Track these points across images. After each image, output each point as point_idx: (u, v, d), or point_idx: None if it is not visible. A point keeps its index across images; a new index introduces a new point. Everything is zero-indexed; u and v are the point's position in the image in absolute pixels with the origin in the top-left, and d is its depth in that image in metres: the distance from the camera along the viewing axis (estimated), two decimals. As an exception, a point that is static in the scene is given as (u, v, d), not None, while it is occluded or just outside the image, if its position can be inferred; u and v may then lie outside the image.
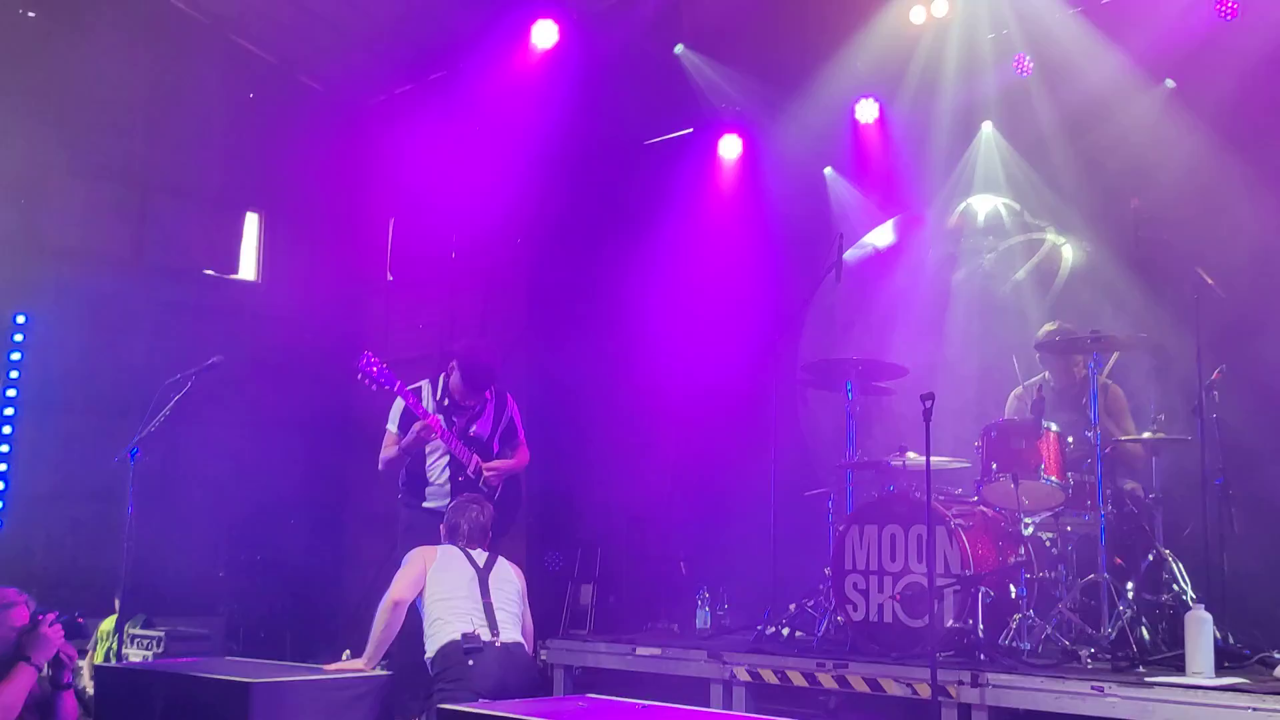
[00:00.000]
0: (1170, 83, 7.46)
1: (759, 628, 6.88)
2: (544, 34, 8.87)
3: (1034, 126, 8.07)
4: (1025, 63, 7.98)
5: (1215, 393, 6.04)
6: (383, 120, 10.79)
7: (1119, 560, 6.12)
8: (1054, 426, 6.18)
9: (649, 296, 9.10)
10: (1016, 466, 6.07)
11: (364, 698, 5.06)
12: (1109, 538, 5.98)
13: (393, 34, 10.12)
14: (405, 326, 10.57)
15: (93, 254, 9.79)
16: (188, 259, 10.45)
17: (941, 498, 6.26)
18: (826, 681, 5.88)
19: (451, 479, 6.74)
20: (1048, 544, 6.29)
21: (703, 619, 7.53)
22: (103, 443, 7.83)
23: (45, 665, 5.20)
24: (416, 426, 6.57)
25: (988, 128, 8.46)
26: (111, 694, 5.40)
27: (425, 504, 6.77)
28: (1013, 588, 6.01)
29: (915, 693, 5.49)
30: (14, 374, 9.17)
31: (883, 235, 9.02)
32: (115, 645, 6.89)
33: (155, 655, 7.50)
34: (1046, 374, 7.03)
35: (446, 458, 6.75)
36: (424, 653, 5.53)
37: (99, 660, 7.22)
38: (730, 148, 9.38)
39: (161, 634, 7.61)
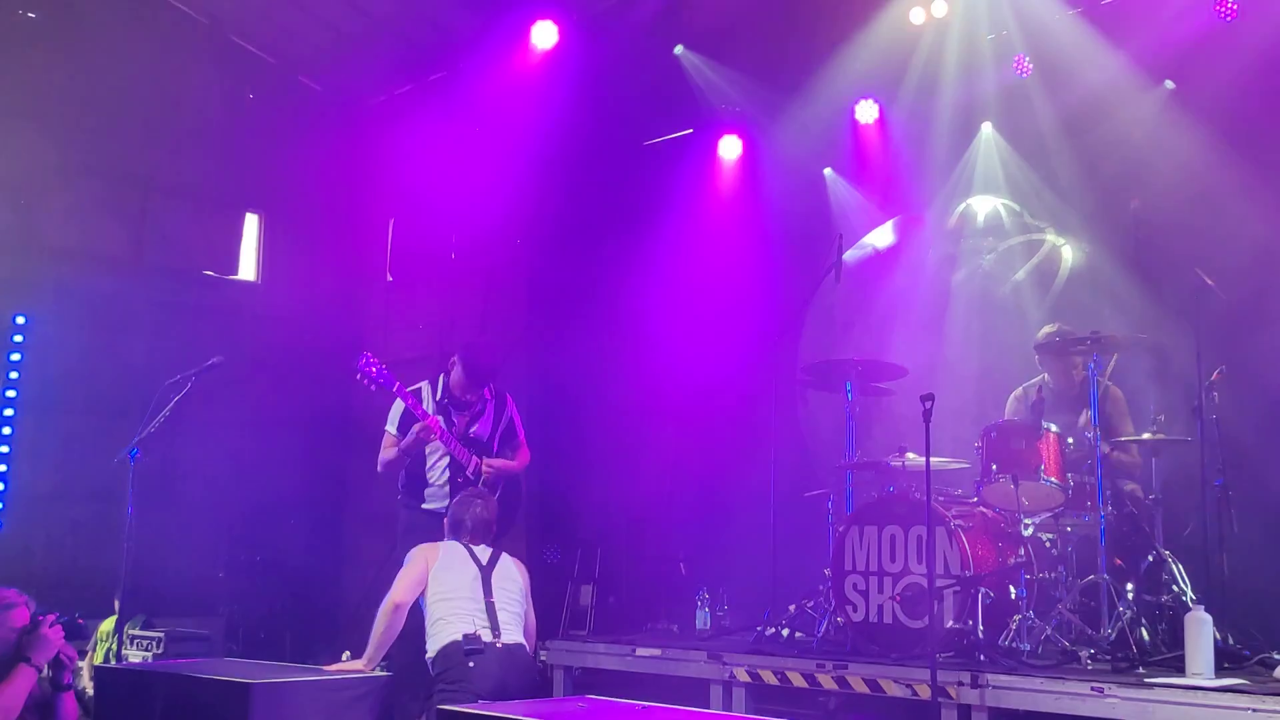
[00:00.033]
0: (1170, 84, 7.46)
1: (759, 628, 6.89)
2: (544, 35, 8.88)
3: (1034, 127, 8.07)
4: (1025, 63, 7.99)
5: (1215, 393, 6.04)
6: (382, 121, 10.79)
7: (1119, 561, 6.12)
8: (1054, 427, 6.19)
9: (649, 297, 9.10)
10: (1016, 467, 6.07)
11: (364, 698, 5.04)
12: (1109, 538, 5.98)
13: (392, 35, 10.12)
14: (405, 327, 10.57)
15: (92, 255, 9.79)
16: (187, 259, 10.45)
17: (941, 498, 6.26)
18: (826, 682, 5.88)
19: (451, 480, 6.74)
20: (1047, 545, 6.30)
21: (702, 620, 7.53)
22: (102, 443, 7.82)
23: (45, 666, 5.21)
24: (416, 428, 6.57)
25: (987, 128, 8.47)
26: (111, 695, 5.38)
27: (425, 505, 6.77)
28: (1012, 589, 6.01)
29: (915, 694, 5.49)
30: (14, 375, 9.17)
31: (882, 236, 9.02)
32: (115, 646, 6.88)
33: (155, 656, 7.49)
34: (1045, 375, 7.03)
35: (447, 459, 6.75)
36: (424, 653, 5.53)
37: (99, 661, 7.21)
38: (730, 148, 9.39)
39: (161, 635, 7.59)
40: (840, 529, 6.53)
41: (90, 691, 6.38)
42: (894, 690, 5.60)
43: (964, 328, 8.39)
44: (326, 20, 10.15)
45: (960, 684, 5.36)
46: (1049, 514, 6.25)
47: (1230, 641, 5.66)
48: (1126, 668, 5.43)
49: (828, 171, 9.17)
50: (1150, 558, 6.08)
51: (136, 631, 7.69)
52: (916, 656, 5.70)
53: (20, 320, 9.24)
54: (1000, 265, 8.50)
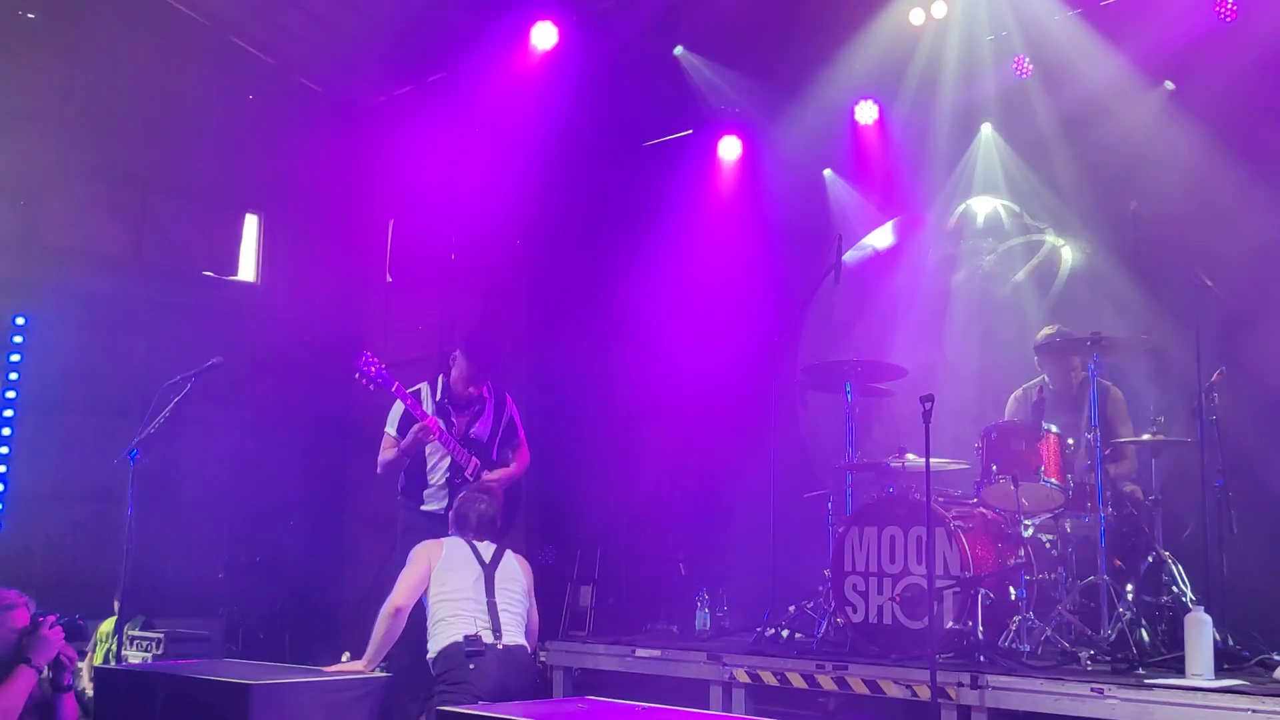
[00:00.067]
0: (1169, 84, 7.47)
1: (758, 629, 6.88)
2: (543, 35, 8.89)
3: (1033, 128, 8.08)
4: (1024, 64, 8.00)
5: (1215, 394, 6.04)
6: (382, 121, 10.79)
7: (1118, 562, 6.12)
8: (1054, 428, 6.19)
9: (649, 298, 9.10)
10: (1016, 468, 6.08)
11: (364, 699, 5.05)
12: (1108, 539, 5.98)
13: (392, 35, 10.12)
14: (404, 327, 10.57)
15: (92, 255, 9.79)
16: (187, 260, 10.45)
17: (941, 499, 6.26)
18: (826, 683, 5.88)
19: (449, 481, 6.73)
20: (1047, 546, 6.30)
21: (702, 620, 7.53)
22: (102, 444, 7.84)
23: (45, 667, 5.20)
24: (415, 428, 6.57)
25: (987, 129, 8.47)
26: (111, 696, 5.39)
27: (424, 506, 6.77)
28: (1012, 589, 6.01)
29: (915, 694, 5.49)
30: (13, 375, 9.17)
31: (882, 237, 9.02)
32: (115, 647, 6.88)
33: (154, 657, 7.49)
34: (1045, 376, 7.04)
35: (447, 460, 6.75)
36: (423, 653, 5.53)
37: (98, 662, 7.21)
38: (730, 149, 9.40)
39: (161, 635, 7.60)
40: (840, 530, 6.53)
41: (90, 692, 6.38)
42: (893, 691, 5.60)
43: (964, 328, 8.40)
44: (326, 21, 10.15)
45: (960, 685, 5.36)
46: (1049, 515, 6.25)
47: (1230, 642, 5.65)
48: (1126, 669, 5.43)
49: (827, 172, 9.17)
50: (1150, 559, 6.08)
51: (136, 632, 7.69)
52: (916, 657, 5.70)
53: (20, 321, 9.24)
54: (1000, 266, 8.50)
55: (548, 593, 8.43)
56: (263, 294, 10.88)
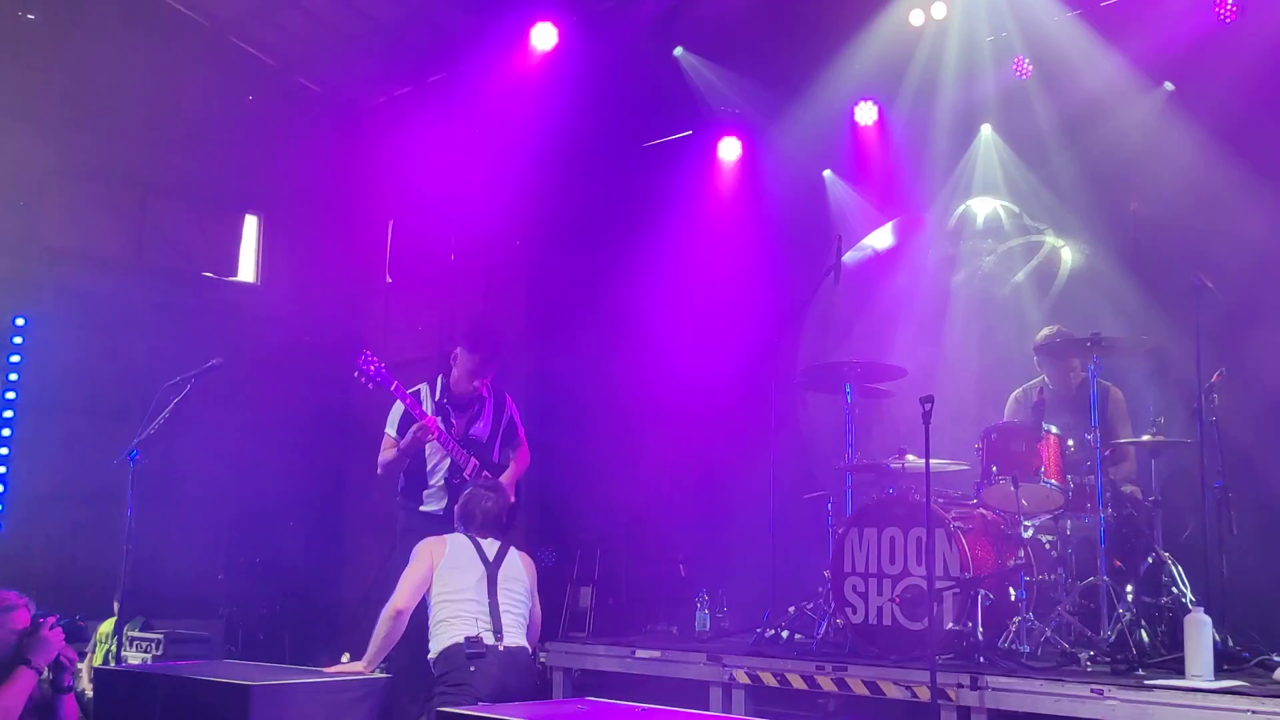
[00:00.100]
0: (1169, 85, 7.47)
1: (758, 630, 6.88)
2: (543, 36, 8.89)
3: (1033, 129, 8.08)
4: (1024, 65, 8.00)
5: (1215, 395, 6.03)
6: (382, 122, 10.79)
7: (1118, 563, 6.12)
8: (1054, 429, 6.19)
9: (648, 298, 9.11)
10: (1016, 469, 6.07)
11: (364, 700, 5.05)
12: (1108, 540, 5.98)
13: (392, 36, 10.12)
14: (404, 328, 10.57)
15: (92, 256, 9.80)
16: (187, 261, 10.46)
17: (941, 500, 6.26)
18: (826, 684, 5.88)
19: (448, 481, 6.73)
20: (1047, 546, 6.30)
21: (702, 621, 7.52)
22: (102, 444, 7.84)
23: (46, 669, 5.20)
24: (414, 427, 6.55)
25: (987, 130, 8.48)
26: (111, 697, 5.39)
27: (423, 507, 6.76)
28: (1012, 590, 6.01)
29: (915, 695, 5.49)
30: (13, 376, 9.18)
31: (882, 237, 9.02)
32: (114, 648, 6.88)
33: (154, 658, 7.48)
34: (1044, 376, 7.04)
35: (446, 461, 6.74)
36: (423, 653, 5.52)
37: (98, 663, 7.21)
38: (729, 150, 9.40)
39: (160, 636, 7.59)
40: (840, 531, 6.53)
41: (90, 693, 6.38)
42: (893, 692, 5.60)
43: (963, 329, 8.40)
44: (326, 22, 10.16)
45: (960, 686, 5.36)
46: (1049, 516, 6.25)
47: (1230, 643, 5.65)
48: (1126, 670, 5.43)
49: (827, 173, 9.17)
50: (1150, 559, 6.08)
51: (136, 633, 7.68)
52: (916, 658, 5.70)
53: (20, 321, 9.25)
54: (1000, 267, 8.50)
55: (547, 593, 8.39)
56: (262, 294, 10.89)
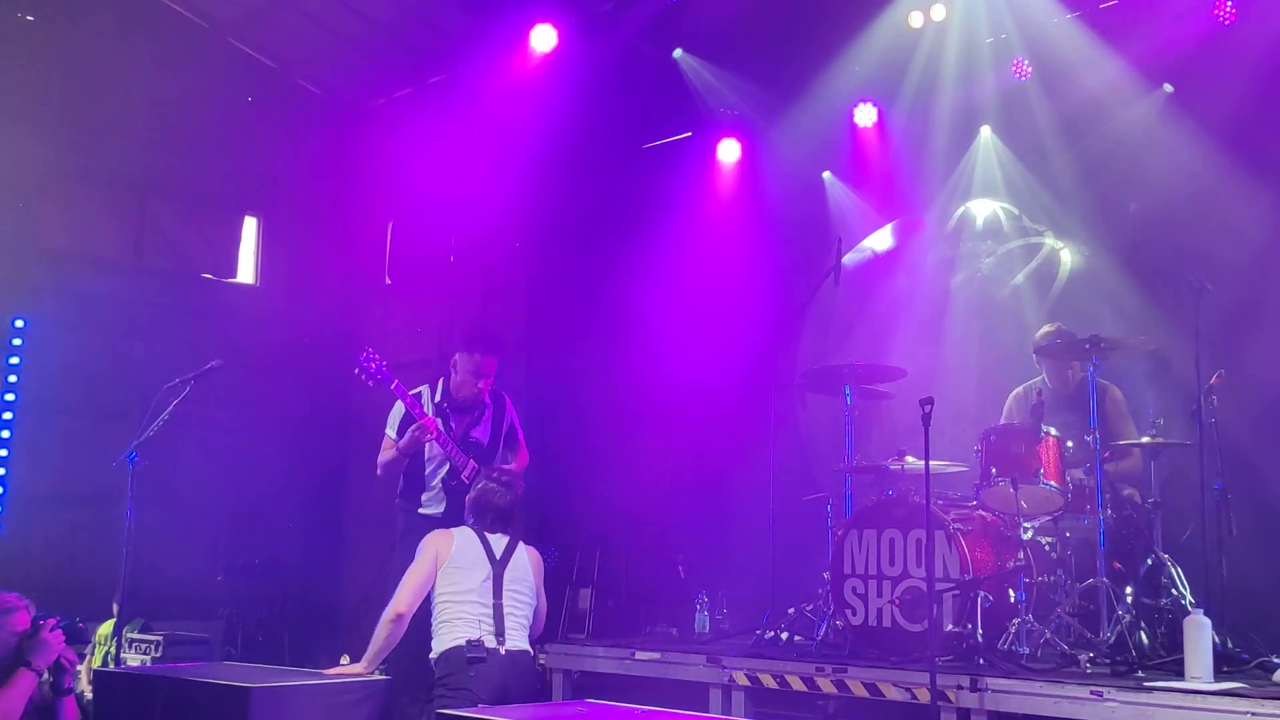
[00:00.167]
0: (1168, 87, 7.47)
1: (758, 632, 6.87)
2: (542, 38, 8.89)
3: (1032, 131, 8.08)
4: (1023, 67, 8.01)
5: (1214, 397, 6.04)
6: (381, 124, 10.79)
7: (1118, 565, 6.12)
8: (1053, 431, 6.19)
9: (648, 300, 9.11)
10: (1016, 471, 6.07)
11: (363, 702, 5.06)
12: (1108, 542, 5.98)
13: (391, 37, 10.13)
14: (404, 330, 10.58)
15: (91, 257, 9.81)
16: (186, 262, 10.46)
17: (940, 502, 6.25)
18: (825, 686, 5.88)
19: (446, 484, 6.73)
20: (1047, 548, 6.29)
21: (701, 623, 7.52)
22: (101, 446, 7.85)
23: (46, 671, 5.20)
24: (413, 427, 6.55)
25: (986, 132, 8.47)
26: (110, 699, 5.39)
27: (421, 509, 6.76)
28: (1011, 592, 6.01)
29: (914, 697, 5.49)
30: (13, 377, 9.18)
31: (881, 239, 9.02)
32: (113, 649, 6.88)
33: (154, 659, 7.48)
34: (1044, 376, 7.04)
35: (447, 464, 6.74)
36: (422, 655, 5.50)
37: (97, 664, 7.21)
38: (729, 151, 9.39)
39: (160, 638, 7.59)
40: (839, 532, 6.53)
41: (89, 695, 6.37)
42: (893, 694, 5.60)
43: (963, 331, 8.40)
44: (325, 23, 10.16)
45: (959, 687, 5.36)
46: (1048, 517, 6.25)
47: (1229, 645, 5.65)
48: (1125, 671, 5.43)
49: (826, 175, 9.17)
50: (1149, 561, 6.08)
51: (135, 635, 7.69)
52: (916, 660, 5.69)
53: (19, 323, 9.25)
54: (999, 268, 8.50)
55: (547, 595, 8.43)
56: (262, 296, 10.89)
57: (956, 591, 5.88)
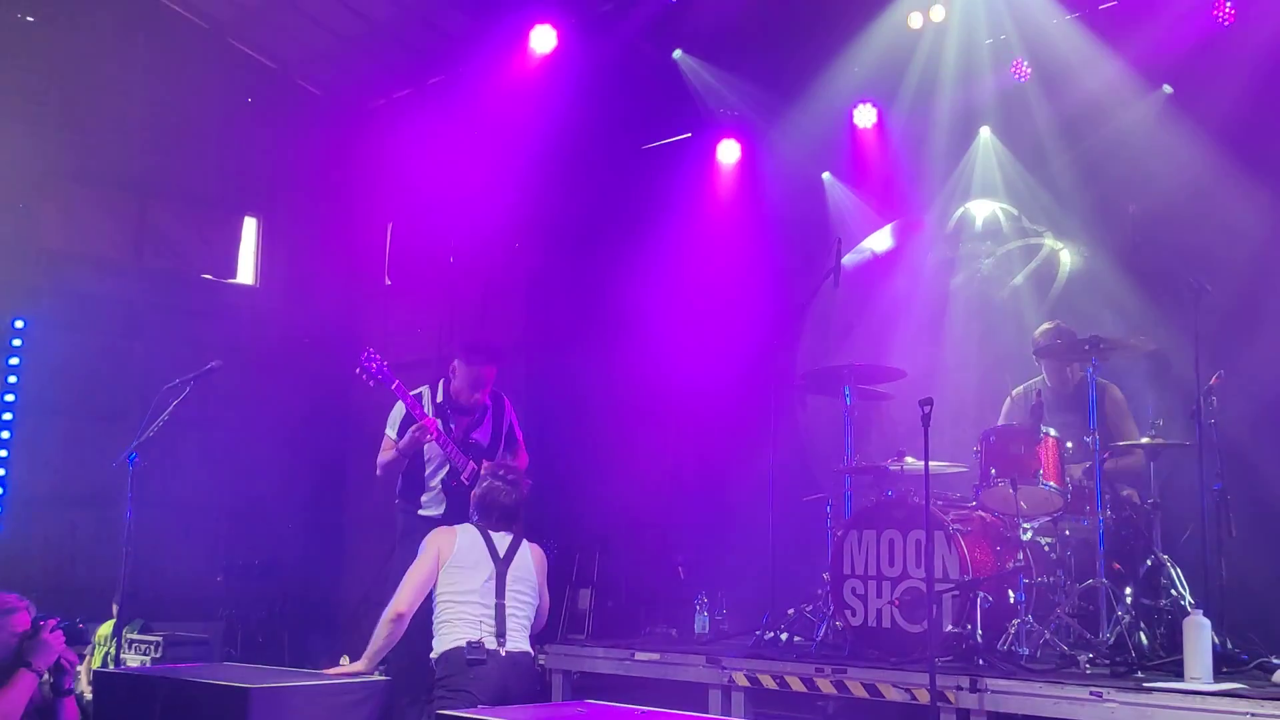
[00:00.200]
0: (1168, 88, 7.48)
1: (757, 633, 6.87)
2: (542, 39, 8.89)
3: (1032, 131, 8.09)
4: (1023, 68, 8.01)
5: (1214, 398, 6.04)
6: (381, 124, 10.79)
7: (1117, 565, 6.12)
8: (1052, 431, 6.19)
9: (647, 301, 9.11)
10: (1015, 471, 6.08)
11: (363, 702, 5.05)
12: (1107, 543, 5.99)
13: (391, 38, 10.13)
14: (404, 331, 10.57)
15: (91, 258, 9.81)
16: (186, 263, 10.47)
17: (940, 503, 6.26)
18: (825, 687, 5.88)
19: (445, 485, 6.73)
20: (1046, 549, 6.30)
21: (701, 624, 7.52)
22: (101, 447, 7.86)
23: (46, 671, 5.20)
24: (413, 427, 6.55)
25: (985, 133, 8.48)
26: (110, 699, 5.38)
27: (421, 510, 6.76)
28: (1011, 593, 6.01)
29: (914, 698, 5.50)
30: (12, 378, 9.18)
31: (881, 240, 9.03)
32: (113, 650, 6.88)
33: (153, 660, 7.49)
34: (1044, 375, 7.05)
35: (447, 465, 6.74)
36: (422, 655, 5.50)
37: (97, 665, 7.21)
38: (728, 152, 9.40)
39: (159, 639, 7.60)
40: (839, 533, 6.53)
41: (88, 696, 6.37)
42: (892, 695, 5.61)
43: (962, 332, 8.40)
44: (325, 24, 10.16)
45: (959, 688, 5.37)
46: (1047, 518, 6.26)
47: (1228, 646, 5.65)
48: (1125, 672, 5.43)
49: (826, 176, 9.17)
50: (1149, 562, 6.08)
51: (135, 635, 7.69)
52: (915, 661, 5.70)
53: (19, 324, 9.25)
54: (999, 269, 8.51)
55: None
56: (261, 297, 10.89)
57: (956, 592, 5.88)
